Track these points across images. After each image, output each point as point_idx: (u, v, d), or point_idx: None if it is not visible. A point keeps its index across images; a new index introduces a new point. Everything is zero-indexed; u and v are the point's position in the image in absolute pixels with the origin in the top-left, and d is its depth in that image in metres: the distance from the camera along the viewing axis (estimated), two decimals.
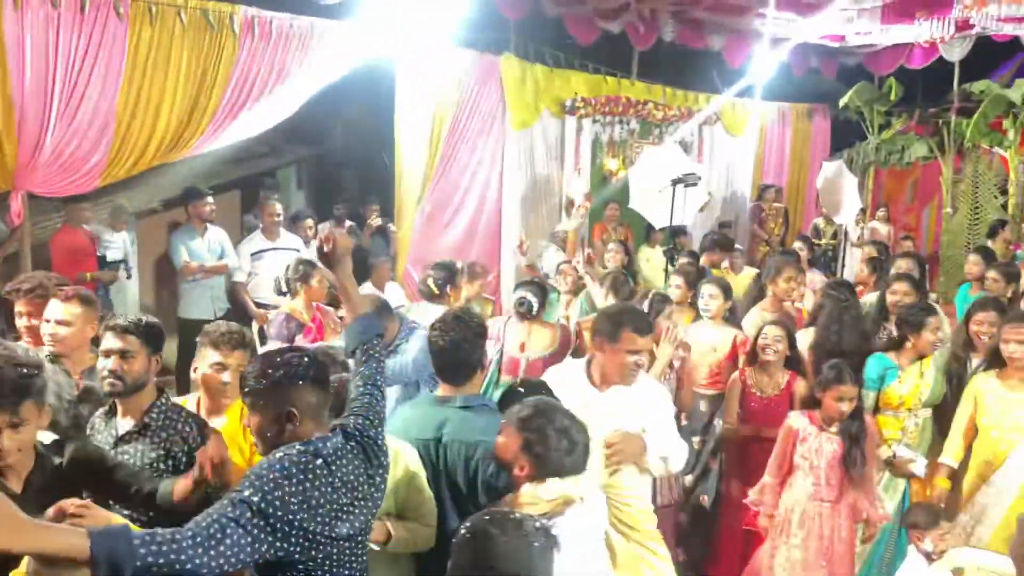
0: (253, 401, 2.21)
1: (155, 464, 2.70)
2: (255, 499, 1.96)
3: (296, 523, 2.02)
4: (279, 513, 1.99)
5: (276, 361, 2.21)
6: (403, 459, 2.71)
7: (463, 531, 2.03)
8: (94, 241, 6.45)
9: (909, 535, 3.74)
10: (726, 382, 4.73)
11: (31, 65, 4.69)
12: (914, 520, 3.70)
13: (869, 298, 5.93)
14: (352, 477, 2.18)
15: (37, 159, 4.84)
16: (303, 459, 2.09)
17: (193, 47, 5.48)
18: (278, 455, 2.08)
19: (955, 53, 10.80)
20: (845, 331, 4.60)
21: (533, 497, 2.34)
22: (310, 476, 2.08)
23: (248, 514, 1.95)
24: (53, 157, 4.91)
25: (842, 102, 11.72)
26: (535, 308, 4.91)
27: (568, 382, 3.29)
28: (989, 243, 8.48)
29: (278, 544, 2.00)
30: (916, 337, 4.31)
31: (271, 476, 2.02)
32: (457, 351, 2.90)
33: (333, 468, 2.13)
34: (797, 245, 7.94)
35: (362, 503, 2.19)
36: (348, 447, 2.22)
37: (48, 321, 3.27)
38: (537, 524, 2.03)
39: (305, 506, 2.04)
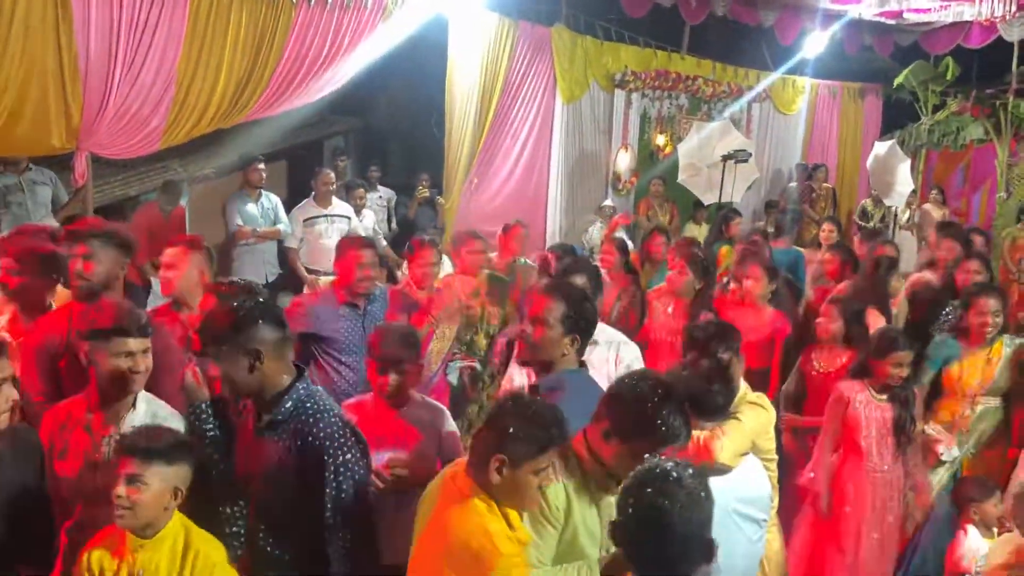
0: (219, 347, 2.34)
1: None
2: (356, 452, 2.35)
3: None
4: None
5: (235, 305, 2.40)
6: None
7: (627, 495, 1.91)
8: (171, 219, 6.49)
9: (963, 509, 3.69)
10: (766, 361, 4.63)
11: (96, 27, 4.74)
12: (969, 494, 3.66)
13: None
14: None
15: (101, 120, 4.90)
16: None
17: (251, 13, 5.49)
18: (325, 410, 2.38)
19: (1015, 33, 10.46)
20: None
21: None
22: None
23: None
24: (116, 119, 4.97)
25: (897, 81, 11.44)
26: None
27: None
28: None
29: None
30: (967, 317, 4.21)
31: (344, 431, 2.36)
32: None
33: None
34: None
35: None
36: None
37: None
38: (690, 471, 1.89)
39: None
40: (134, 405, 2.64)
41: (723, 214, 7.39)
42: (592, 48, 8.63)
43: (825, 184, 10.88)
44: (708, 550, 1.85)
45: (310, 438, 2.30)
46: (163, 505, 2.24)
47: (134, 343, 2.57)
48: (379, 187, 8.19)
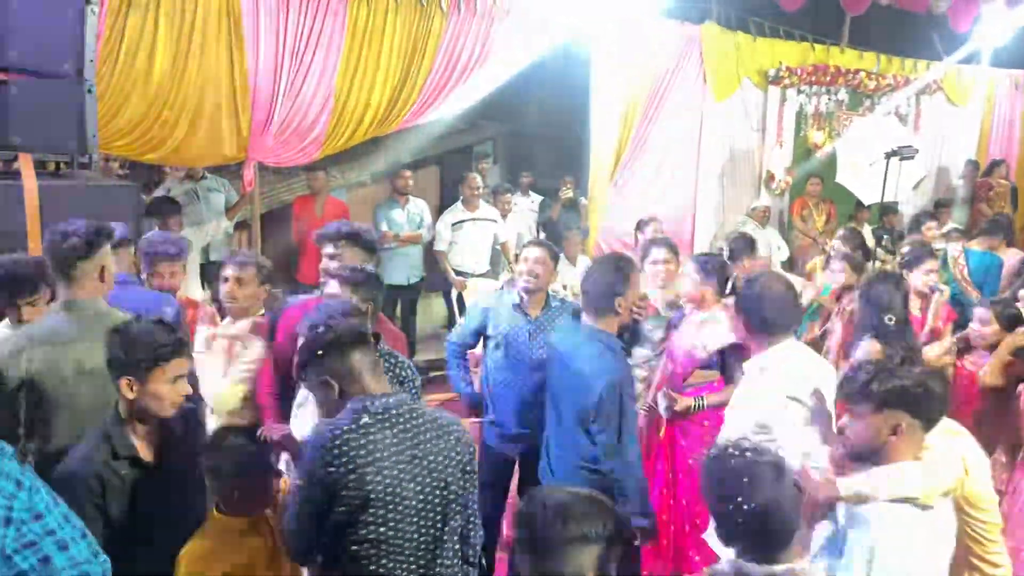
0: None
1: None
2: None
3: None
4: None
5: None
6: None
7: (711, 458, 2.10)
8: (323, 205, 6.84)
9: None
10: None
11: (264, 43, 5.10)
12: None
13: None
14: None
15: (267, 131, 5.26)
16: None
17: (404, 24, 5.72)
18: None
19: None
20: None
21: None
22: None
23: None
24: (280, 129, 5.32)
25: None
26: None
27: None
28: None
29: None
30: None
31: None
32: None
33: None
34: None
35: None
36: None
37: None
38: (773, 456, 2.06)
39: None
40: None
41: (915, 216, 7.33)
42: (744, 44, 8.36)
43: (1003, 180, 10.03)
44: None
45: None
46: None
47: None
48: (531, 193, 8.26)
